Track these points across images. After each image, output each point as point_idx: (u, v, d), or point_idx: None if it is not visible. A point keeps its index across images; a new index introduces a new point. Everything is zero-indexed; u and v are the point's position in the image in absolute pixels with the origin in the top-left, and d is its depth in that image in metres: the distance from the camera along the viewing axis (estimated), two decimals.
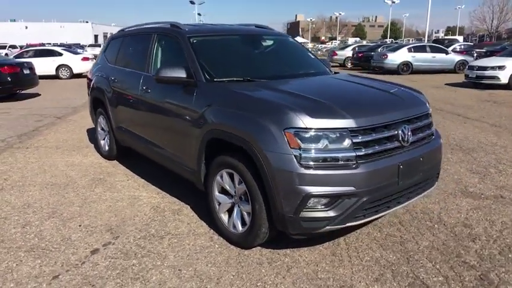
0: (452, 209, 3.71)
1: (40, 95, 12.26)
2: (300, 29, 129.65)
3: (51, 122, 7.98)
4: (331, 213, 2.60)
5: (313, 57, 4.39)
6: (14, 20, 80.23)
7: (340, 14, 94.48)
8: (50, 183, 4.48)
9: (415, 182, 2.97)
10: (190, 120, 3.29)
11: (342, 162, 2.57)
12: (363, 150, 2.63)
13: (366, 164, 2.62)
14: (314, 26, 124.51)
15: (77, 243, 3.13)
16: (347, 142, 2.59)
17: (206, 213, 3.40)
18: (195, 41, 3.68)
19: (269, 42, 4.25)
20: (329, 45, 62.92)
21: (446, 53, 18.55)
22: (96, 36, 78.83)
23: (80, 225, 3.44)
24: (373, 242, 3.12)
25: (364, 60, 20.51)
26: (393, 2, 50.78)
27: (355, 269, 2.76)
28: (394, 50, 18.79)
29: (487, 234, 3.23)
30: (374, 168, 2.63)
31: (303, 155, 2.53)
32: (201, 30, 3.99)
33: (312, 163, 2.54)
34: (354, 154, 2.59)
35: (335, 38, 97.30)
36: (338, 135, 2.58)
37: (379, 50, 20.84)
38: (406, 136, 2.85)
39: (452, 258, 2.89)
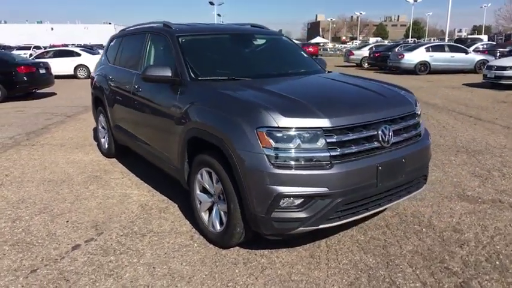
0: (445, 213, 3.59)
1: (56, 94, 12.60)
2: (321, 29, 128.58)
3: (60, 120, 8.18)
4: (303, 214, 2.55)
5: (305, 56, 4.33)
6: (41, 22, 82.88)
7: (361, 13, 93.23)
8: (48, 179, 4.58)
9: (397, 184, 2.89)
10: (174, 118, 3.30)
11: (315, 163, 2.52)
12: (338, 150, 2.57)
13: (340, 164, 2.55)
14: (335, 25, 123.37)
15: (61, 239, 3.18)
16: (321, 142, 2.54)
17: (191, 212, 3.40)
18: (183, 40, 3.69)
19: (260, 42, 4.22)
20: (349, 45, 62.24)
21: (466, 52, 18.00)
22: None
23: (67, 221, 3.50)
24: (355, 245, 3.05)
25: (381, 60, 20.16)
26: (415, 1, 49.66)
27: (331, 272, 2.70)
28: (411, 49, 18.39)
29: (477, 240, 3.10)
30: (349, 169, 2.57)
31: (275, 154, 2.49)
32: (192, 30, 4.00)
33: (283, 163, 2.50)
34: (328, 154, 2.54)
35: (356, 38, 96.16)
36: (311, 134, 2.53)
37: (396, 49, 20.43)
38: (387, 136, 2.77)
39: (435, 263, 2.79)
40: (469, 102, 9.93)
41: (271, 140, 2.50)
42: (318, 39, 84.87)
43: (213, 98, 3.03)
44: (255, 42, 4.18)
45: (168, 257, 2.90)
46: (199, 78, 3.37)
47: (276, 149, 2.50)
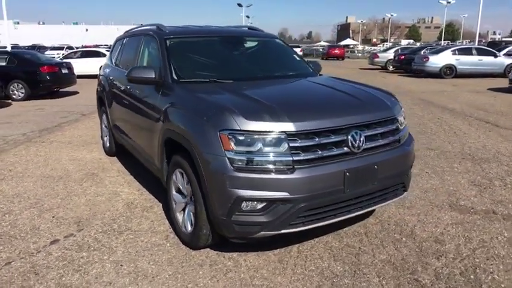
0: (430, 223, 3.46)
1: (78, 93, 13.07)
2: (351, 31, 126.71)
3: (75, 118, 8.47)
4: (264, 219, 2.53)
5: (297, 59, 4.28)
6: (76, 23, 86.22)
7: (392, 15, 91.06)
8: (47, 175, 4.76)
9: (368, 191, 2.81)
10: (155, 119, 3.36)
11: (277, 167, 2.50)
12: (302, 154, 2.53)
13: (303, 169, 2.52)
14: (365, 27, 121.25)
15: (42, 233, 3.30)
16: (283, 146, 2.51)
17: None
18: (171, 43, 3.74)
19: (251, 44, 4.22)
20: (380, 47, 61.01)
21: (495, 55, 17.24)
22: None
23: (53, 217, 3.62)
24: (327, 252, 2.99)
25: (406, 63, 19.65)
26: (448, 3, 48.06)
27: (295, 278, 2.66)
28: (437, 52, 17.81)
29: (457, 252, 2.97)
30: (312, 174, 2.52)
31: (236, 157, 2.49)
32: (181, 32, 4.05)
33: (244, 166, 2.49)
34: (290, 159, 2.50)
35: (387, 40, 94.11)
36: (274, 138, 2.51)
37: (422, 52, 19.85)
38: (357, 142, 2.70)
39: (405, 275, 2.69)
40: (490, 108, 9.51)
41: (232, 143, 2.50)
42: (347, 41, 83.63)
43: (187, 100, 3.06)
44: (246, 45, 4.19)
45: (138, 255, 2.95)
46: (181, 80, 3.41)
47: (238, 152, 2.49)
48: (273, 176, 2.48)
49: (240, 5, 59.41)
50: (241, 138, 2.49)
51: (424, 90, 12.93)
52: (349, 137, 2.68)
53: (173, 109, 3.11)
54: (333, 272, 2.73)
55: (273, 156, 2.50)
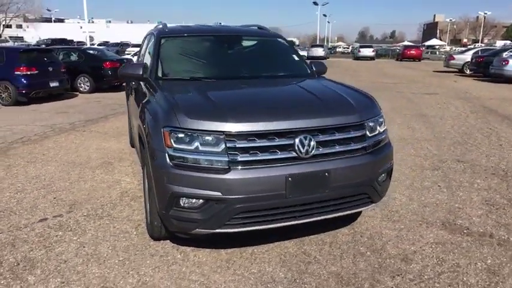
0: (408, 240, 3.19)
1: None
2: (438, 31, 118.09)
3: (122, 111, 9.16)
4: (199, 216, 2.58)
5: (296, 60, 4.20)
6: (160, 22, 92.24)
7: (485, 13, 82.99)
8: (70, 161, 5.27)
9: (318, 199, 2.70)
10: (137, 113, 3.56)
11: (212, 166, 2.52)
12: (239, 156, 2.53)
13: (239, 170, 2.51)
14: (455, 27, 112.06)
15: (38, 212, 3.69)
16: (221, 146, 2.52)
17: None
18: (164, 41, 3.93)
19: (250, 43, 4.24)
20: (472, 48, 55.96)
21: None
22: None
23: (54, 198, 4.03)
24: (279, 257, 2.93)
25: (484, 66, 17.82)
26: None
27: (231, 279, 2.66)
28: None
29: (420, 274, 2.72)
30: (248, 176, 2.51)
31: (175, 154, 2.57)
32: (178, 31, 4.23)
33: (181, 163, 2.56)
34: (226, 159, 2.52)
35: (479, 41, 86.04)
36: (212, 138, 2.54)
37: (504, 54, 17.85)
38: (306, 147, 2.61)
39: None
40: None
41: (172, 140, 2.58)
42: (433, 42, 78.09)
43: (156, 97, 3.20)
44: (243, 44, 4.22)
45: (103, 240, 3.17)
46: (164, 78, 3.57)
47: (176, 149, 2.57)
48: (207, 175, 2.51)
49: (315, 3, 58.84)
50: (180, 135, 2.56)
51: (493, 97, 11.68)
52: (297, 141, 2.61)
53: (145, 105, 3.28)
54: (272, 277, 2.68)
55: (210, 156, 2.53)
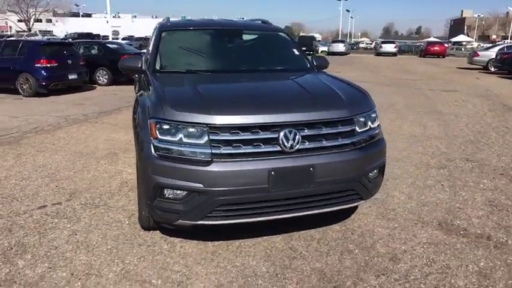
0: (400, 239, 3.12)
1: None
2: (465, 27, 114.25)
3: None
4: (181, 207, 2.60)
5: (296, 54, 4.14)
6: (185, 17, 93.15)
7: None
8: (78, 151, 5.40)
9: (303, 194, 2.67)
10: (134, 105, 3.61)
11: (195, 158, 2.54)
12: (222, 148, 2.53)
13: (221, 163, 2.51)
14: (483, 22, 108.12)
15: (38, 199, 3.81)
16: (204, 138, 2.53)
17: None
18: (165, 35, 3.96)
19: (250, 37, 4.22)
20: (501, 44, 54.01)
21: None
22: None
23: (57, 186, 4.14)
24: (265, 251, 2.92)
25: (509, 63, 17.16)
26: None
27: (213, 271, 2.67)
28: None
29: (406, 274, 2.66)
30: (230, 169, 2.50)
31: (160, 145, 2.59)
32: (180, 25, 4.27)
33: (165, 154, 2.58)
34: (209, 151, 2.52)
35: (509, 37, 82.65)
36: (196, 130, 2.54)
37: None
38: (290, 141, 2.58)
39: (323, 286, 2.52)
40: None
41: (158, 131, 2.60)
42: (460, 38, 75.66)
43: (149, 90, 3.23)
44: (243, 38, 4.20)
45: (95, 228, 3.24)
46: (162, 71, 3.60)
47: (161, 140, 2.59)
48: (190, 166, 2.52)
49: None
50: (165, 127, 2.58)
51: None
52: (281, 135, 2.58)
53: (138, 97, 3.32)
54: (254, 271, 2.67)
55: (193, 148, 2.54)
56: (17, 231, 3.18)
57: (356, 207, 3.62)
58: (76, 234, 3.13)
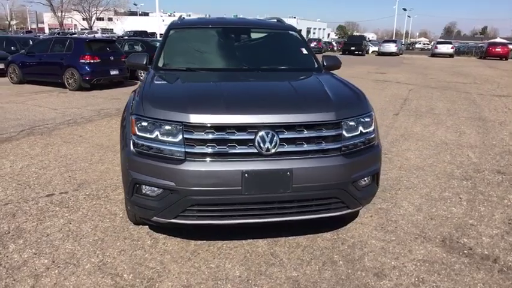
0: (393, 253, 2.91)
1: None
2: None
3: None
4: (156, 205, 2.60)
5: (304, 54, 4.00)
6: (236, 15, 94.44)
7: None
8: (100, 144, 5.64)
9: (278, 199, 2.57)
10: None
11: (169, 156, 2.53)
12: (195, 147, 2.50)
13: (193, 162, 2.48)
14: None
15: (49, 187, 4.01)
16: (179, 136, 2.51)
17: None
18: (173, 33, 4.01)
19: (257, 35, 4.14)
20: None
21: None
22: (299, 31, 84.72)
23: (69, 176, 4.35)
24: (244, 255, 2.85)
25: None
26: None
27: (185, 271, 2.65)
28: None
29: None
30: (202, 169, 2.47)
31: (138, 141, 2.62)
32: (188, 23, 4.27)
33: (142, 151, 2.60)
34: (182, 150, 2.50)
35: None
36: (172, 128, 2.54)
37: None
38: (266, 144, 2.49)
39: None
40: None
41: (136, 127, 2.62)
42: None
43: (143, 85, 3.27)
44: (250, 36, 4.14)
45: (89, 219, 3.35)
46: (163, 68, 3.65)
47: (139, 136, 2.61)
48: (164, 164, 2.52)
49: None
50: (144, 124, 2.60)
51: None
52: (258, 136, 2.50)
53: (132, 94, 3.38)
54: (227, 275, 2.61)
55: (167, 145, 2.53)
56: (20, 216, 3.37)
57: (356, 215, 3.44)
58: (70, 224, 3.26)
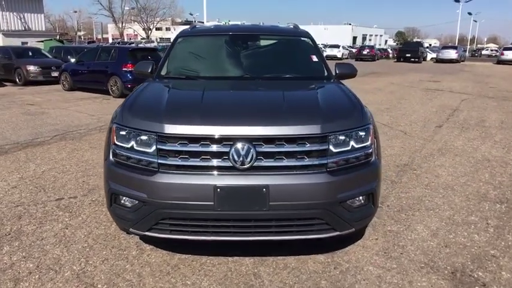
0: (389, 284, 2.60)
1: None
2: None
3: None
4: (131, 216, 2.56)
5: (315, 61, 3.78)
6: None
7: None
8: None
9: (255, 217, 2.41)
10: None
11: (142, 166, 2.48)
12: (168, 159, 2.42)
13: (166, 174, 2.40)
14: None
15: (61, 191, 4.15)
16: (152, 147, 2.45)
17: None
18: (180, 41, 4.00)
19: (267, 42, 4.00)
20: None
21: None
22: (354, 38, 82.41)
23: (83, 181, 4.48)
24: (226, 273, 2.70)
25: None
26: None
27: (160, 286, 2.56)
28: None
29: None
30: (173, 181, 2.38)
31: (116, 151, 2.60)
32: (198, 31, 4.23)
33: (119, 161, 2.57)
34: (155, 161, 2.43)
35: None
36: (146, 138, 2.48)
37: None
38: (242, 157, 2.34)
39: None
40: None
41: (115, 136, 2.60)
42: None
43: (131, 94, 3.25)
44: (258, 43, 4.01)
45: (86, 225, 3.39)
46: (165, 76, 3.63)
47: (117, 146, 2.59)
48: (137, 175, 2.46)
49: (457, 0, 52.67)
50: (122, 133, 2.57)
51: None
52: (233, 149, 2.35)
53: None
54: None
55: (141, 156, 2.48)
56: (25, 219, 3.50)
57: (360, 236, 3.16)
58: (66, 229, 3.31)
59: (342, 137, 2.48)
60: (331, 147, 2.44)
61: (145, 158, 2.46)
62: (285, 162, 2.39)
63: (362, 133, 2.57)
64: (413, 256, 2.94)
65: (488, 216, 3.65)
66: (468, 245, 3.12)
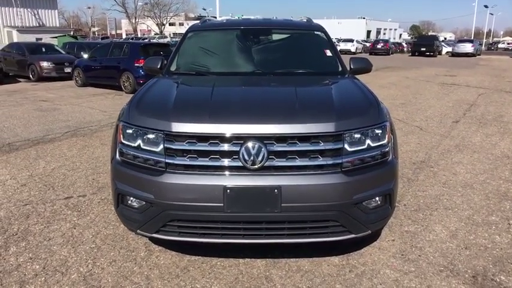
0: (407, 287, 2.48)
1: None
2: None
3: None
4: (138, 217, 2.48)
5: (328, 56, 3.64)
6: (301, 18, 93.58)
7: None
8: None
9: (266, 219, 2.30)
10: None
11: (149, 166, 2.39)
12: (176, 158, 2.33)
13: (174, 174, 2.31)
14: None
15: (70, 189, 4.11)
16: (160, 146, 2.36)
17: None
18: (190, 35, 3.90)
19: (279, 37, 3.87)
20: None
21: None
22: (368, 32, 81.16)
23: (93, 179, 4.43)
24: (236, 276, 2.61)
25: None
26: None
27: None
28: None
29: None
30: (182, 182, 2.29)
31: (123, 150, 2.52)
32: (209, 25, 4.12)
33: (126, 159, 2.49)
34: (163, 160, 2.34)
35: None
36: (154, 136, 2.39)
37: None
38: (252, 157, 2.24)
39: None
40: None
41: (121, 135, 2.52)
42: None
43: (138, 91, 3.16)
44: (270, 38, 3.88)
45: (94, 225, 3.33)
46: (174, 72, 3.54)
47: (124, 144, 2.51)
48: (144, 175, 2.38)
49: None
50: (128, 131, 2.49)
51: None
52: (243, 149, 2.25)
53: None
54: None
55: (149, 155, 2.39)
56: (33, 218, 3.46)
57: (375, 237, 3.04)
58: (74, 229, 3.26)
59: (357, 135, 2.36)
60: (346, 146, 2.32)
61: (153, 158, 2.37)
62: (298, 162, 2.27)
63: (378, 131, 2.44)
64: (432, 258, 2.81)
65: (509, 216, 3.48)
66: (489, 246, 2.97)
